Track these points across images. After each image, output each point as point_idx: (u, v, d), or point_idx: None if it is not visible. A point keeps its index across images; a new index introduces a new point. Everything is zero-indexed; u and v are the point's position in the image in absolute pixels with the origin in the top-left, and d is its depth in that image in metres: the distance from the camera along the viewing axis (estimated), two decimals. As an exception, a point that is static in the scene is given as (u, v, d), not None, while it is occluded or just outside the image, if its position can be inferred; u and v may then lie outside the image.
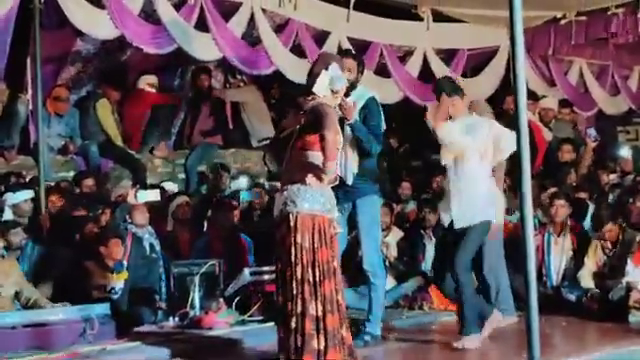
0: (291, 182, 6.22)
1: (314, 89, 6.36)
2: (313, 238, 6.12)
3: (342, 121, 6.96)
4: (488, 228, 7.20)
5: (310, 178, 6.16)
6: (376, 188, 7.45)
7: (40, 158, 8.92)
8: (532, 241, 5.60)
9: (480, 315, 7.14)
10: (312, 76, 6.43)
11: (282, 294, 6.17)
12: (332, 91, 6.38)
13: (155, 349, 7.05)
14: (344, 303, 6.23)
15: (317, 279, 6.07)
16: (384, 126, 7.42)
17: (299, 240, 6.10)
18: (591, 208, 9.71)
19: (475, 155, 7.15)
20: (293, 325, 6.03)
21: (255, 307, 8.09)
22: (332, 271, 6.14)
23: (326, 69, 6.38)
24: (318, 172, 6.15)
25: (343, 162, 6.97)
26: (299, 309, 6.04)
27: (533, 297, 5.47)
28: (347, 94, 7.03)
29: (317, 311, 6.03)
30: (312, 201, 6.14)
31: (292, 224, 6.13)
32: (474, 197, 7.10)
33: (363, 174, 7.23)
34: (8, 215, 8.47)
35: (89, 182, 9.91)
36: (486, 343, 7.07)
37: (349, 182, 7.11)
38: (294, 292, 6.06)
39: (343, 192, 6.97)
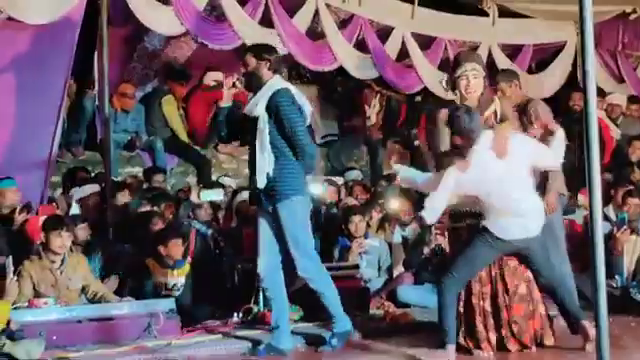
0: None
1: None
2: None
3: (252, 120, 6.80)
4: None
5: None
6: (297, 189, 6.74)
7: (107, 154, 9.00)
8: (601, 239, 5.48)
9: (575, 317, 6.70)
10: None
11: None
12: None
13: (219, 345, 7.08)
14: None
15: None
16: (303, 121, 6.75)
17: None
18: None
19: None
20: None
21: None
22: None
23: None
24: None
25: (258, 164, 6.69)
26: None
27: (602, 297, 5.36)
28: (252, 87, 6.91)
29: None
30: None
31: None
32: None
33: (280, 176, 6.68)
34: (75, 210, 8.54)
35: (159, 177, 10.01)
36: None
37: (260, 186, 6.67)
38: None
39: (264, 195, 6.73)
